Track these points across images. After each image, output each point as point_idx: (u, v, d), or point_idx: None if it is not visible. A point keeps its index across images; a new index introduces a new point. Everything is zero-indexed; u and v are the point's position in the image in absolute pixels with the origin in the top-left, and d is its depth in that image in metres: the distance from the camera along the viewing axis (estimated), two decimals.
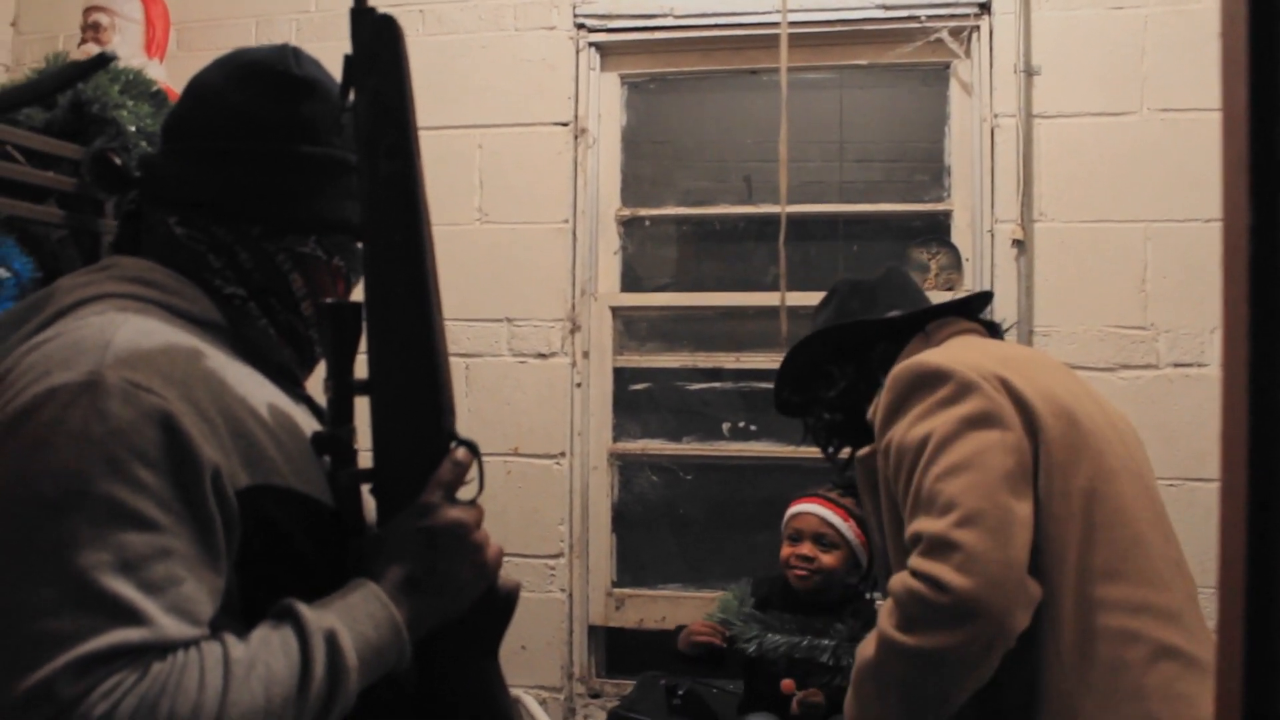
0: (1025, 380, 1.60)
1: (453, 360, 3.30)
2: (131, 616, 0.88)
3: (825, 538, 2.52)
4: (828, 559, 2.50)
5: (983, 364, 1.62)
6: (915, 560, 1.50)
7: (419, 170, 1.12)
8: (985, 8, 3.07)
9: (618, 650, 3.36)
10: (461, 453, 1.15)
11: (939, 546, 1.48)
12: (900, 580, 1.52)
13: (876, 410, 1.70)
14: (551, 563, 3.21)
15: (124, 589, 0.88)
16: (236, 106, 1.18)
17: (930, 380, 1.61)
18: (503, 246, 3.24)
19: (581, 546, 3.27)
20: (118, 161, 1.19)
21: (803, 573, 2.50)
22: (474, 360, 3.24)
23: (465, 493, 1.16)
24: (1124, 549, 1.55)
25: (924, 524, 1.51)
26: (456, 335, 3.21)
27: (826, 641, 2.39)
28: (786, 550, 2.57)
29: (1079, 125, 2.97)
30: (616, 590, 3.31)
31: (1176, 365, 2.89)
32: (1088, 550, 1.54)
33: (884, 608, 1.56)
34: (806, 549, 2.52)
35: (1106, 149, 2.95)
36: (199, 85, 1.22)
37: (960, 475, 1.51)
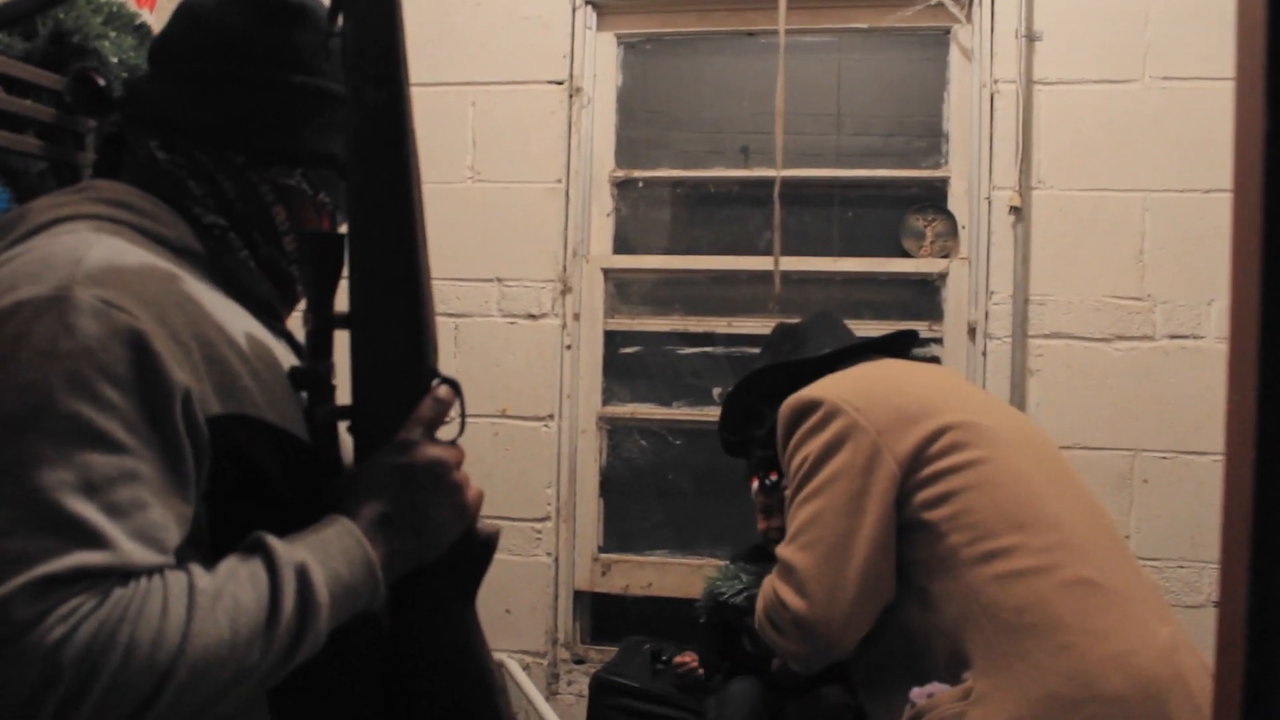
0: (893, 390, 1.80)
1: (441, 320, 3.27)
2: (93, 539, 0.84)
3: (773, 502, 2.53)
4: None
5: (853, 386, 1.81)
6: (771, 577, 1.77)
7: (408, 99, 1.08)
8: None
9: (603, 616, 3.35)
10: (443, 390, 1.12)
11: (783, 569, 1.73)
12: (768, 581, 1.78)
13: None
14: (538, 526, 3.18)
15: (86, 510, 0.85)
16: (227, 30, 1.15)
17: (804, 411, 1.81)
18: (494, 206, 3.20)
19: (568, 510, 3.25)
20: (100, 82, 1.15)
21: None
22: (463, 320, 3.20)
23: (446, 433, 1.13)
24: (1022, 503, 1.66)
25: (780, 546, 1.76)
26: (446, 294, 3.18)
27: None
28: (762, 524, 2.62)
29: (1080, 92, 2.93)
30: (603, 555, 3.29)
31: (1173, 337, 2.87)
32: (983, 511, 1.65)
33: (761, 591, 1.80)
34: (778, 521, 2.56)
35: (1107, 117, 2.91)
36: (189, 8, 1.18)
37: (812, 501, 1.73)
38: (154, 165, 1.14)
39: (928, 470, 1.69)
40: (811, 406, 1.80)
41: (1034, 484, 1.69)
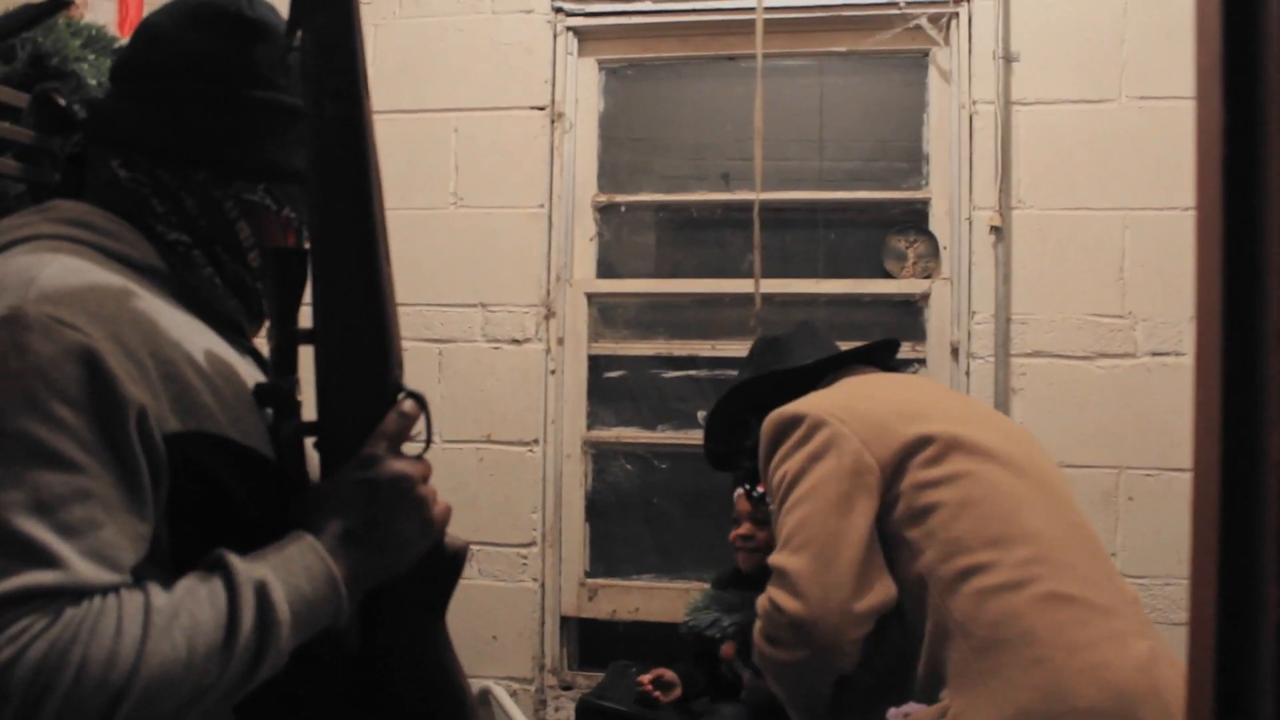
0: (876, 402, 1.80)
1: (425, 345, 3.26)
2: (44, 559, 0.84)
3: (759, 514, 2.57)
4: (763, 534, 2.55)
5: (837, 400, 1.82)
6: (768, 587, 1.75)
7: (367, 113, 1.08)
8: None
9: (590, 641, 3.33)
10: (408, 404, 1.11)
11: (776, 575, 1.71)
12: (762, 598, 1.76)
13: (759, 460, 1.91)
14: (524, 552, 3.17)
15: (37, 530, 0.84)
16: (186, 47, 1.15)
17: (787, 426, 1.81)
18: (478, 231, 3.21)
19: (554, 535, 3.24)
20: (62, 102, 1.15)
21: (744, 553, 2.59)
22: (447, 346, 3.20)
23: (413, 448, 1.12)
24: (999, 519, 1.66)
25: (772, 555, 1.75)
26: (430, 320, 3.18)
27: None
28: (732, 534, 2.65)
29: (1058, 112, 2.95)
30: (589, 580, 3.28)
31: (1154, 354, 2.87)
32: (959, 528, 1.65)
33: (757, 608, 1.79)
34: (745, 529, 2.60)
35: (1085, 136, 2.93)
36: (149, 26, 1.18)
37: (799, 508, 1.72)
38: (116, 184, 1.13)
39: (907, 481, 1.70)
40: (794, 421, 1.80)
41: (1013, 497, 1.69)
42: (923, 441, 1.71)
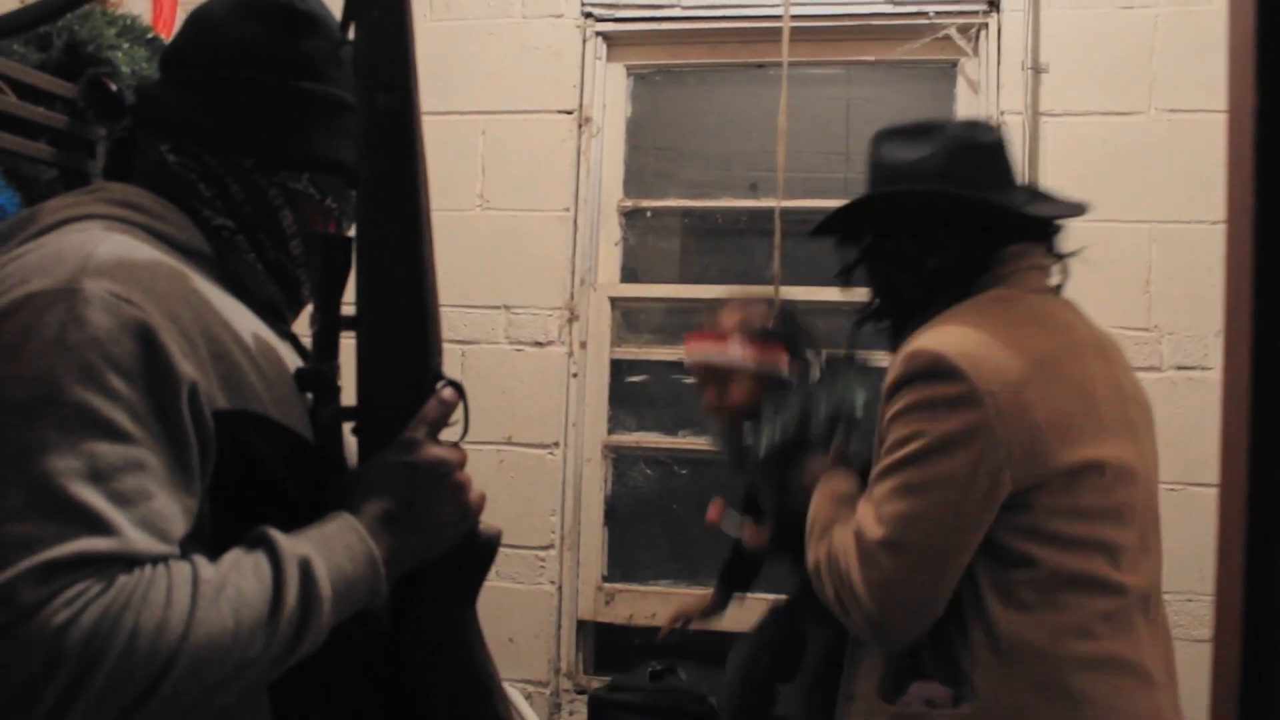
0: (1051, 393, 1.52)
1: (448, 346, 3.26)
2: (99, 525, 0.85)
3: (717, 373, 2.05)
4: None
5: (1011, 364, 1.51)
6: (847, 549, 1.55)
7: (417, 105, 1.10)
8: (994, 5, 3.06)
9: (606, 646, 3.33)
10: (448, 392, 1.13)
11: (866, 558, 1.51)
12: (841, 545, 1.57)
13: (889, 374, 1.60)
14: (541, 554, 3.18)
15: (92, 498, 0.85)
16: (237, 38, 1.17)
17: (940, 374, 1.50)
18: (503, 233, 3.22)
19: (573, 539, 3.24)
20: (113, 87, 1.17)
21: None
22: (470, 347, 3.21)
23: (451, 435, 1.13)
24: (1103, 559, 1.54)
25: (868, 522, 1.53)
26: (453, 321, 3.19)
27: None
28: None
29: (1086, 124, 2.95)
30: (607, 585, 3.28)
31: (1180, 368, 2.86)
32: (1063, 558, 1.52)
33: (831, 552, 1.59)
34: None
35: (1113, 148, 2.93)
36: (200, 15, 1.21)
37: (909, 497, 1.50)
38: (164, 168, 1.15)
39: (1043, 500, 1.52)
40: (950, 375, 1.49)
41: (1124, 537, 1.57)
42: (1070, 470, 1.52)
